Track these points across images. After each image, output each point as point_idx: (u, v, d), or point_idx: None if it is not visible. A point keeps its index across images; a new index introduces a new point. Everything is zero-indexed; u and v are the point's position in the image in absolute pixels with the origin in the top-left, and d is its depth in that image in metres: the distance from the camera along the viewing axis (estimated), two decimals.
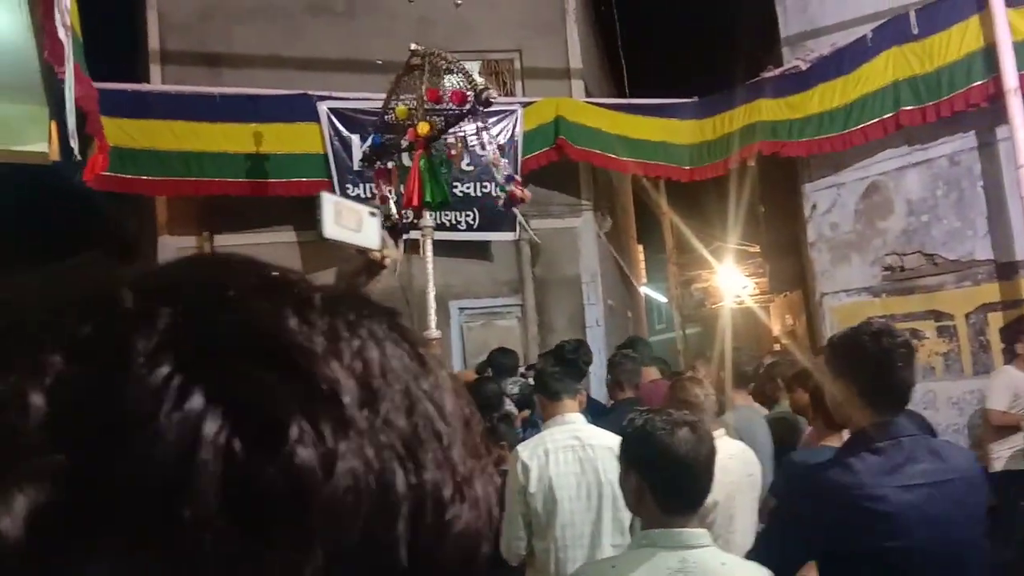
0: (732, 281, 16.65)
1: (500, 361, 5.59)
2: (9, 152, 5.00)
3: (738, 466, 3.06)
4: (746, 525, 3.08)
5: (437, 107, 4.91)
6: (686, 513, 1.81)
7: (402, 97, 5.27)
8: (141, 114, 6.89)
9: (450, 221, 7.91)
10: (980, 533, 1.92)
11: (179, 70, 7.90)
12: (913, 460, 1.87)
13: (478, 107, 4.72)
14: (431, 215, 5.40)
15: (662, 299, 18.43)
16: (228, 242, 7.80)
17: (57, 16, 3.68)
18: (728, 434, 3.16)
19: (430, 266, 5.48)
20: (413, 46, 5.31)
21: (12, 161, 5.08)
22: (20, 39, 4.25)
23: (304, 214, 7.74)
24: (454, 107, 4.84)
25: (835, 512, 1.85)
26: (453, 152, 5.15)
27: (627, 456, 1.89)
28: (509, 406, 4.50)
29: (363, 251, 1.45)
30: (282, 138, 7.20)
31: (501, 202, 5.28)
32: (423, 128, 4.95)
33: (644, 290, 16.53)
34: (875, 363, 1.90)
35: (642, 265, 16.89)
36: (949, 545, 1.83)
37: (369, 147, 5.86)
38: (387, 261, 1.49)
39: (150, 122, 6.89)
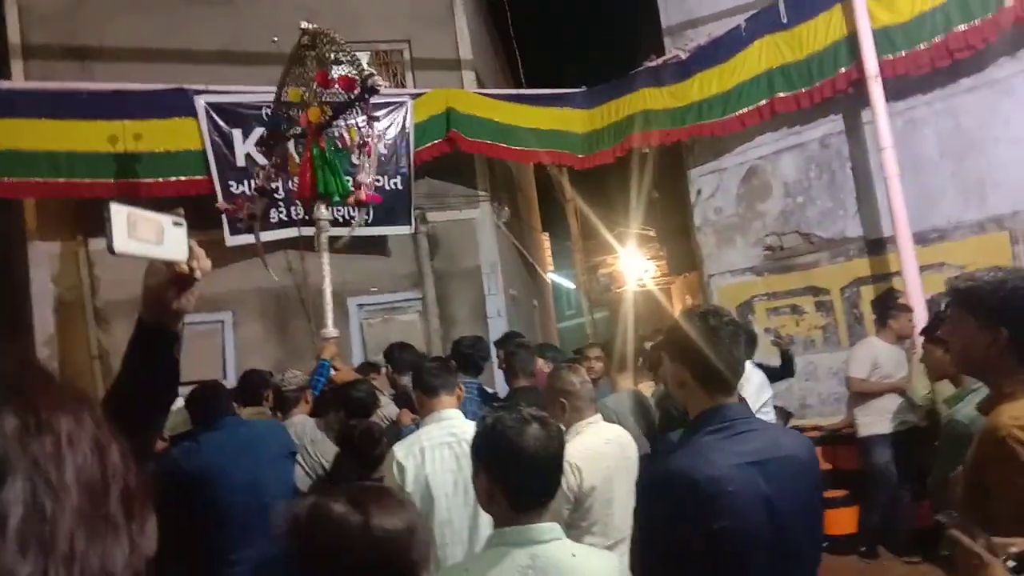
0: (635, 265, 17.06)
1: (399, 356, 5.50)
2: None
3: (614, 450, 3.13)
4: (624, 508, 3.13)
5: (326, 93, 4.77)
6: (536, 509, 1.84)
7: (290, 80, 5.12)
8: (1, 113, 6.46)
9: (344, 216, 7.76)
10: (814, 510, 2.02)
11: (44, 65, 7.43)
12: (745, 440, 1.95)
13: (365, 95, 4.61)
14: (326, 208, 5.26)
15: (570, 285, 18.70)
16: (104, 246, 7.41)
17: None
18: (607, 418, 3.23)
19: (326, 262, 5.38)
20: (303, 25, 5.16)
21: None
22: None
23: (189, 214, 7.45)
24: (342, 93, 4.71)
25: (680, 496, 1.91)
26: (348, 142, 5.00)
27: (477, 455, 1.90)
28: (390, 406, 4.45)
29: (169, 264, 1.38)
30: (157, 135, 6.89)
31: (352, 199, 5.14)
32: (314, 114, 4.82)
33: (551, 277, 16.72)
34: (704, 345, 1.96)
35: (548, 253, 17.07)
36: (783, 519, 1.92)
37: (266, 131, 5.66)
38: (198, 274, 1.42)
39: (12, 121, 6.48)
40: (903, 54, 6.19)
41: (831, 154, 6.84)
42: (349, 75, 4.81)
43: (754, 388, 5.32)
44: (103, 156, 6.68)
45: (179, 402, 3.95)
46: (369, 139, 4.98)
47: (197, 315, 7.66)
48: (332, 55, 4.82)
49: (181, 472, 3.25)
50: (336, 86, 4.72)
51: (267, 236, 7.23)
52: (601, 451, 3.09)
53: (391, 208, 7.84)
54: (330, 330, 5.13)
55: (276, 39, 7.39)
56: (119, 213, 1.28)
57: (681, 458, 1.94)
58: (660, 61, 7.57)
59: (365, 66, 4.76)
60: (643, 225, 14.98)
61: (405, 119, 7.82)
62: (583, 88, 8.37)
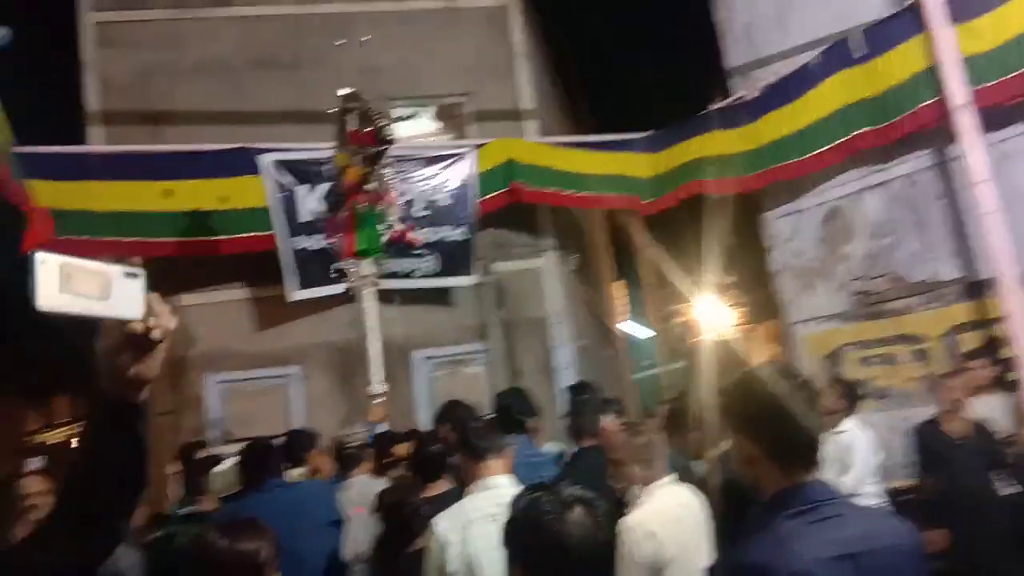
0: (714, 313, 16.43)
1: (457, 414, 5.24)
2: None
3: (688, 514, 2.88)
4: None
5: (360, 150, 4.78)
6: None
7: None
8: (78, 176, 6.72)
9: (407, 268, 7.69)
10: None
11: (119, 130, 7.74)
12: (834, 527, 1.61)
13: (382, 145, 4.60)
14: (370, 264, 5.22)
15: (646, 335, 18.19)
16: (177, 303, 7.55)
17: None
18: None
19: (372, 318, 5.28)
20: (341, 91, 5.20)
21: None
22: None
23: (256, 270, 7.56)
24: (369, 148, 4.71)
25: None
26: (383, 198, 4.97)
27: (510, 546, 1.60)
28: None
29: (123, 323, 1.19)
30: (225, 193, 7.01)
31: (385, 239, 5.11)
32: (352, 174, 4.86)
33: (625, 327, 16.28)
34: (774, 414, 1.65)
35: (622, 302, 16.68)
36: None
37: (328, 198, 5.82)
38: (157, 333, 1.22)
39: (86, 183, 6.71)
40: (993, 83, 5.72)
41: (918, 192, 6.34)
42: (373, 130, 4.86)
43: (863, 455, 4.83)
44: (171, 216, 6.84)
45: (230, 460, 3.83)
46: (390, 188, 4.96)
47: (263, 370, 7.70)
48: (364, 108, 4.84)
49: None
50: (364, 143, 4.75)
51: (330, 290, 7.23)
52: (676, 515, 2.80)
53: (454, 259, 7.74)
54: (376, 387, 5.01)
55: (343, 91, 7.50)
56: (47, 263, 1.11)
57: (758, 548, 1.61)
58: (727, 103, 7.28)
59: (384, 119, 4.78)
60: (721, 271, 14.45)
61: (469, 169, 7.76)
62: (649, 132, 8.14)
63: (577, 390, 4.79)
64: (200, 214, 6.97)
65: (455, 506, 2.88)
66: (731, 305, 16.55)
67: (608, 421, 4.73)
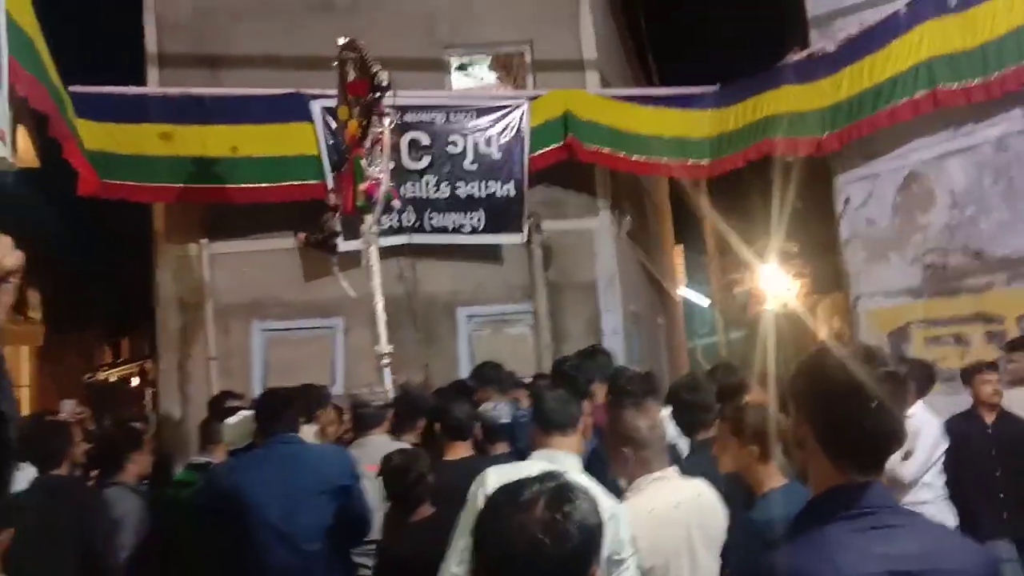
0: (777, 282, 15.83)
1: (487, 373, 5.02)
2: None
3: (689, 517, 2.47)
4: None
5: (359, 101, 4.60)
6: None
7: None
8: (128, 118, 6.70)
9: (454, 223, 7.50)
10: None
11: (177, 73, 7.69)
12: (889, 539, 1.35)
13: (378, 93, 4.39)
14: (373, 221, 5.04)
15: (704, 303, 17.68)
16: (224, 249, 7.57)
17: None
18: (684, 470, 2.61)
19: (376, 276, 5.16)
20: (340, 41, 5.02)
21: None
22: None
23: (303, 219, 7.48)
24: (365, 99, 4.53)
25: None
26: (376, 149, 4.77)
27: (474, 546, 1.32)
28: None
29: None
30: (274, 140, 6.91)
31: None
32: (352, 127, 4.72)
33: (682, 294, 15.84)
34: (841, 402, 1.38)
35: (680, 268, 16.21)
36: None
37: (331, 155, 5.66)
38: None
39: (137, 126, 6.69)
40: None
41: (1010, 157, 5.80)
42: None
43: (929, 442, 4.40)
44: (220, 160, 6.77)
45: (244, 412, 3.73)
46: (383, 135, 4.71)
47: (308, 320, 7.67)
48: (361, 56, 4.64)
49: (213, 494, 2.98)
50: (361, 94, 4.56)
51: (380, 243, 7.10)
52: (669, 517, 2.44)
53: (503, 215, 7.50)
54: (383, 346, 4.92)
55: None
56: None
57: (795, 554, 1.36)
58: (805, 55, 6.77)
59: (374, 64, 4.54)
60: (786, 239, 13.84)
61: (521, 122, 7.46)
62: (717, 86, 7.67)
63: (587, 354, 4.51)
64: (250, 160, 6.90)
65: (511, 465, 2.63)
66: (795, 275, 15.92)
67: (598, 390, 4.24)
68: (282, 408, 3.30)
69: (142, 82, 7.67)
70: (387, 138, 4.74)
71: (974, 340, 5.97)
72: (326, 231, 6.18)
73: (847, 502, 1.37)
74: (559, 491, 1.23)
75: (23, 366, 14.29)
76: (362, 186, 4.76)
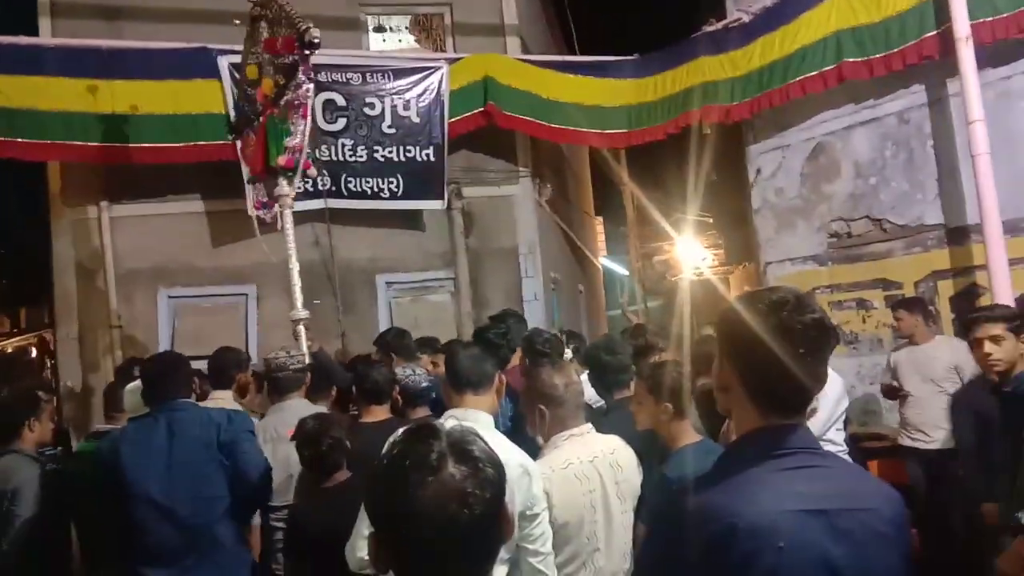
0: (692, 253, 16.25)
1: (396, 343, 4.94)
2: None
3: (602, 471, 2.48)
4: (619, 554, 2.49)
5: (276, 60, 4.41)
6: None
7: (252, 52, 4.76)
8: (20, 70, 6.22)
9: (372, 188, 7.34)
10: None
11: (72, 23, 7.19)
12: (808, 479, 1.37)
13: (304, 51, 4.22)
14: (288, 183, 4.87)
15: (624, 272, 18.00)
16: (128, 212, 7.19)
17: None
18: (600, 429, 2.64)
19: (291, 241, 5.01)
20: None
21: None
22: None
23: (212, 181, 7.16)
24: (288, 56, 4.34)
25: (705, 547, 1.34)
26: (299, 110, 4.59)
27: (366, 508, 1.20)
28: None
29: None
30: (179, 97, 6.55)
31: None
32: (267, 86, 4.53)
33: (603, 262, 16.08)
34: (767, 347, 1.38)
35: (600, 237, 16.42)
36: None
37: (233, 119, 5.40)
38: None
39: (33, 79, 6.22)
40: (1001, 16, 5.39)
41: (911, 130, 6.06)
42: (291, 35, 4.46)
43: (832, 400, 4.57)
44: (122, 118, 6.37)
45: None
46: (306, 100, 4.55)
47: (219, 287, 7.38)
48: (278, 11, 4.43)
49: (101, 467, 2.84)
50: (280, 50, 4.37)
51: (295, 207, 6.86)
52: (583, 473, 2.44)
53: (423, 181, 7.38)
54: (299, 312, 4.80)
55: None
56: None
57: (716, 492, 1.37)
58: (720, 25, 6.86)
59: (302, 21, 4.34)
60: (701, 210, 14.18)
61: (440, 85, 7.32)
62: (635, 56, 7.71)
63: (501, 318, 4.53)
64: (153, 118, 6.52)
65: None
66: (709, 246, 16.37)
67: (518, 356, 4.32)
68: (171, 372, 3.11)
69: (34, 32, 7.14)
70: (311, 99, 4.57)
71: (875, 303, 6.27)
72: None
73: (769, 443, 1.39)
74: (456, 449, 1.13)
75: None
76: (281, 160, 4.56)
